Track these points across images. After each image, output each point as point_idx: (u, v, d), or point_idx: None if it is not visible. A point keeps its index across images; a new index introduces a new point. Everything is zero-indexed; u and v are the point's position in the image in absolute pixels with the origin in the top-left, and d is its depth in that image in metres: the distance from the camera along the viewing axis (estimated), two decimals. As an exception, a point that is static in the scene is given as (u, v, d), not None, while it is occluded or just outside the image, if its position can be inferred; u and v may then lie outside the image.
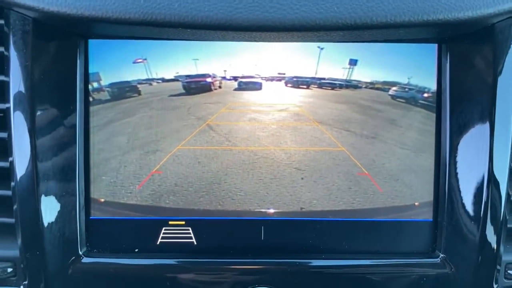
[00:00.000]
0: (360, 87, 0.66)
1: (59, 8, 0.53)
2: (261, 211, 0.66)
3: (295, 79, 0.66)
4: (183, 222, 0.66)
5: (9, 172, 0.60)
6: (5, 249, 0.62)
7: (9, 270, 0.62)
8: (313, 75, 0.65)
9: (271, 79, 0.66)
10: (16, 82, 0.58)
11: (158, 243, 0.66)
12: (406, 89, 0.66)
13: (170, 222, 0.66)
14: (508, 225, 0.62)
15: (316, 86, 0.65)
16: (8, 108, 0.58)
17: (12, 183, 0.59)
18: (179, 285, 0.63)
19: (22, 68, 0.57)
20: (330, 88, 0.66)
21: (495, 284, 0.63)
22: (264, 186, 0.66)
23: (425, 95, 0.66)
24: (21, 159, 0.59)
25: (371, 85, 0.66)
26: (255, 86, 0.66)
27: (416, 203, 0.66)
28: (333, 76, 0.65)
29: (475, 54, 0.61)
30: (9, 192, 0.60)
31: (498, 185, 0.60)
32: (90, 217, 0.66)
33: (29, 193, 0.59)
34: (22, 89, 0.58)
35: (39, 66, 0.59)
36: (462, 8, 0.54)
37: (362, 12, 0.53)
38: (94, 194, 0.66)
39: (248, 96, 0.66)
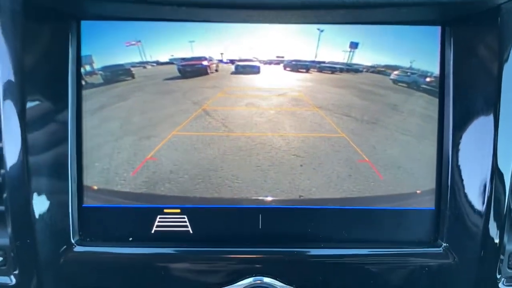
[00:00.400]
0: (361, 71, 0.64)
1: (49, -14, 0.52)
2: (258, 199, 0.65)
3: (294, 62, 0.64)
4: (179, 210, 0.65)
5: (-2, 158, 0.58)
6: (-5, 237, 0.60)
7: (-1, 259, 0.60)
8: (313, 59, 0.63)
9: (270, 62, 0.64)
10: (5, 66, 0.56)
11: (152, 231, 0.65)
12: (408, 73, 0.64)
13: (165, 210, 0.65)
14: (513, 214, 0.61)
15: (315, 70, 0.64)
16: (-3, 93, 0.57)
17: (2, 170, 0.58)
18: (174, 274, 0.62)
19: (11, 51, 0.56)
20: (330, 72, 0.64)
21: (499, 274, 0.61)
22: (261, 173, 0.65)
23: (428, 79, 0.64)
24: (11, 145, 0.57)
25: (372, 69, 0.64)
26: (253, 70, 0.64)
27: (418, 191, 0.65)
28: (333, 59, 0.64)
29: (480, 37, 0.59)
30: (-1, 179, 0.59)
31: (502, 173, 0.59)
32: (83, 205, 0.64)
33: (19, 180, 0.57)
34: (12, 72, 0.56)
35: (29, 48, 0.57)
36: (467, -13, 0.52)
37: (364, -10, 0.51)
38: (86, 181, 0.64)
39: (246, 80, 0.64)
